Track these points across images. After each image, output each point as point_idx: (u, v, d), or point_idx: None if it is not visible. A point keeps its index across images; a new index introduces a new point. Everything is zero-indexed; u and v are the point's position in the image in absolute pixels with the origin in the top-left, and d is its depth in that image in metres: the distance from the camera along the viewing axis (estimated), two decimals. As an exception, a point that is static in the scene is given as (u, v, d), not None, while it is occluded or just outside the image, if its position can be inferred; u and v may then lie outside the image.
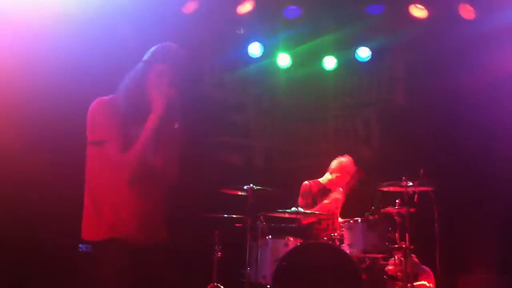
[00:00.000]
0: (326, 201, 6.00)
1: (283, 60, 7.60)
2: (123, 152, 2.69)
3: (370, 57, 7.47)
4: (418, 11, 6.59)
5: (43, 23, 5.57)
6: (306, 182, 6.15)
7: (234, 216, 5.89)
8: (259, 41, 7.43)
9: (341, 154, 6.30)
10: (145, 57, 2.91)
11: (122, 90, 2.85)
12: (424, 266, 5.87)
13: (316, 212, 5.81)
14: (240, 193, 5.75)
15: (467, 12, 6.42)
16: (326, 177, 6.22)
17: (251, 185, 5.64)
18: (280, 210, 5.70)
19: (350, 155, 6.28)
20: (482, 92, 6.59)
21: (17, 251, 5.42)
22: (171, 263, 2.86)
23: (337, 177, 6.16)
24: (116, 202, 2.71)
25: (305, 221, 5.93)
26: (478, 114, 6.56)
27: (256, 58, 7.54)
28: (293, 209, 5.61)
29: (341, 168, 6.17)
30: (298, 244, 5.44)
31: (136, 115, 2.76)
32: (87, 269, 2.71)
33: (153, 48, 2.94)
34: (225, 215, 5.88)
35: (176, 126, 2.86)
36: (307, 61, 7.68)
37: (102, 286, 2.63)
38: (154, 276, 2.77)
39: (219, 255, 5.83)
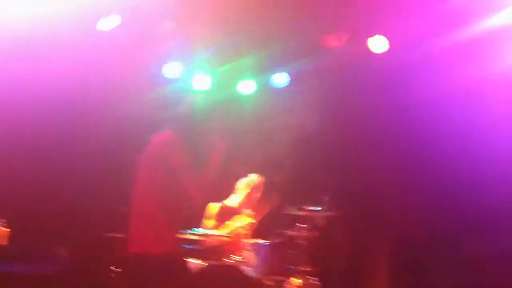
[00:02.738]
0: (238, 224, 6.00)
1: (201, 82, 7.60)
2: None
3: (287, 83, 7.61)
4: (332, 41, 6.76)
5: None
6: (212, 203, 6.13)
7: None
8: (178, 61, 7.41)
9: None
10: None
11: None
12: (325, 290, 5.93)
13: (222, 234, 5.77)
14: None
15: (377, 45, 6.61)
16: (233, 198, 6.23)
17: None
18: (182, 231, 5.62)
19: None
20: (394, 122, 6.79)
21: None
22: None
23: (247, 194, 6.15)
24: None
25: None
26: (388, 141, 6.75)
27: (174, 79, 7.51)
28: (196, 230, 5.56)
29: (249, 185, 6.17)
30: (200, 266, 5.40)
31: None
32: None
33: None
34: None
35: None
36: (226, 84, 7.73)
37: None
38: None
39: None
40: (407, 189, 6.47)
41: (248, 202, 6.16)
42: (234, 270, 5.46)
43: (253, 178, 6.21)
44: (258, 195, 6.18)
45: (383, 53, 6.71)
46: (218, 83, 7.67)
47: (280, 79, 7.58)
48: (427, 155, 6.35)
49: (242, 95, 7.80)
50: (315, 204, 5.70)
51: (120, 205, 5.62)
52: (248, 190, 6.14)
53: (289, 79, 7.57)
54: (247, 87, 7.75)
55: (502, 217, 5.64)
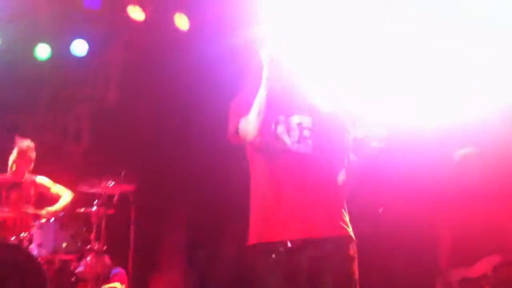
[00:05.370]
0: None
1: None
2: None
3: (86, 52, 7.25)
4: (136, 13, 6.59)
5: None
6: None
7: None
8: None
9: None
10: None
11: None
12: (117, 268, 5.88)
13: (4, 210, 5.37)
14: None
15: (181, 22, 6.61)
16: (11, 169, 5.80)
17: None
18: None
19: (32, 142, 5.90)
20: (190, 97, 6.82)
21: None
22: None
23: (17, 166, 5.75)
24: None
25: None
26: (184, 117, 6.80)
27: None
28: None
29: (20, 155, 5.77)
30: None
31: None
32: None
33: None
34: None
35: None
36: (19, 46, 7.14)
37: None
38: None
39: None
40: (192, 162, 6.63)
41: (20, 170, 5.75)
42: (17, 248, 5.13)
43: (24, 146, 5.79)
44: (29, 161, 5.78)
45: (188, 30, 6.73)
46: (10, 43, 7.05)
47: (80, 47, 7.20)
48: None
49: (38, 60, 7.26)
50: (111, 179, 5.57)
51: None
52: (14, 158, 5.73)
53: (88, 48, 7.22)
54: (43, 51, 7.23)
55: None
